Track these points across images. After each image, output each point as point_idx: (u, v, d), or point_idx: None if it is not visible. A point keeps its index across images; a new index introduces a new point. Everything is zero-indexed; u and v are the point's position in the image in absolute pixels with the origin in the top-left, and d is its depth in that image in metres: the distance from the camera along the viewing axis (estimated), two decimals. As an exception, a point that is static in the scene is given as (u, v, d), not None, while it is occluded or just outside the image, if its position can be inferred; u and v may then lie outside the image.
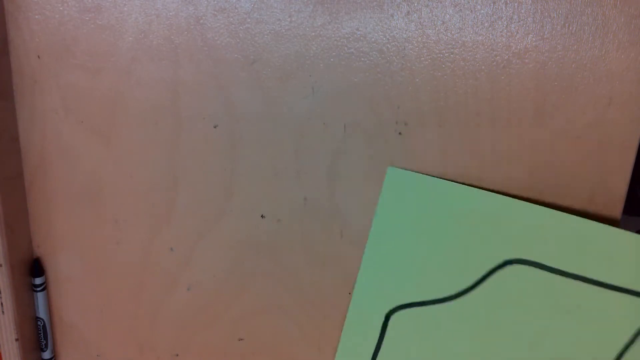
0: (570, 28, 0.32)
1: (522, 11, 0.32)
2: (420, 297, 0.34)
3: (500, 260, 0.33)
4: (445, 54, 0.33)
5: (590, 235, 0.31)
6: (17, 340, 0.40)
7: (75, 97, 0.37)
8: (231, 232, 0.39)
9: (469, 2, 0.32)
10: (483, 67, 0.33)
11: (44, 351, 0.43)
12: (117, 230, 0.40)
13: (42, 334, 0.42)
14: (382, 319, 0.35)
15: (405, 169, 0.34)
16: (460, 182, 0.35)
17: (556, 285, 0.32)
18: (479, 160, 0.35)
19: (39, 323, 0.42)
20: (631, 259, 0.31)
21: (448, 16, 0.33)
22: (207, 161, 0.37)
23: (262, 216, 0.38)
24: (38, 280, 0.41)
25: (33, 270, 0.41)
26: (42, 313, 0.42)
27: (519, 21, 0.32)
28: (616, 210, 0.35)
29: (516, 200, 0.32)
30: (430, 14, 0.33)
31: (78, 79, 0.37)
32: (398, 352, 0.35)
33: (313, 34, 0.34)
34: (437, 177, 0.33)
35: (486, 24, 0.33)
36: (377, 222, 0.35)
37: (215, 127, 0.37)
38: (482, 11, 0.33)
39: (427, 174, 0.34)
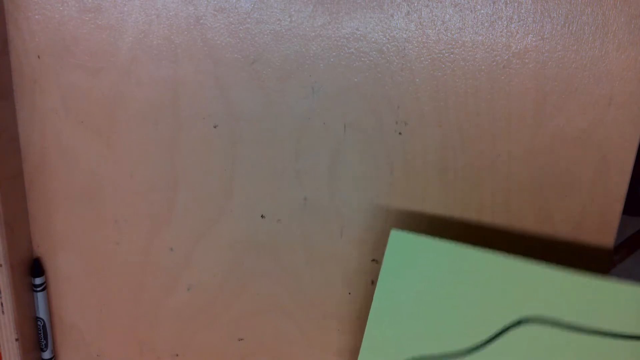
0: (570, 28, 0.32)
1: (522, 11, 0.32)
2: (431, 351, 0.34)
3: (514, 318, 0.33)
4: (445, 54, 0.33)
5: (602, 290, 0.32)
6: (17, 340, 0.40)
7: (75, 97, 0.37)
8: (231, 232, 0.39)
9: (469, 2, 0.32)
10: (483, 67, 0.33)
11: (44, 351, 0.43)
12: (117, 230, 0.40)
13: (42, 334, 0.42)
14: None
15: (409, 232, 0.34)
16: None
17: (573, 341, 0.32)
18: (479, 161, 0.35)
19: (39, 323, 0.42)
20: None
21: (448, 16, 0.33)
22: (207, 161, 0.37)
23: (262, 216, 0.38)
24: (38, 280, 0.41)
25: (33, 270, 0.41)
26: (42, 313, 0.42)
27: (519, 21, 0.32)
28: (616, 210, 0.35)
29: (524, 261, 0.32)
30: (430, 14, 0.33)
31: (78, 79, 0.37)
32: None
33: (313, 34, 0.34)
34: (440, 239, 0.34)
35: (486, 24, 0.33)
36: (383, 282, 0.34)
37: (215, 127, 0.37)
38: (482, 11, 0.33)
39: (428, 238, 0.34)
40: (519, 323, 0.33)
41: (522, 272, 0.32)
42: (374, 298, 0.35)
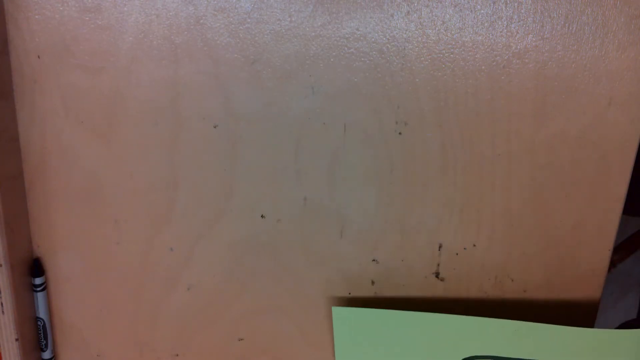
0: (570, 28, 0.32)
1: (522, 11, 0.32)
2: None
3: (459, 358, 0.37)
4: (445, 54, 0.33)
5: (528, 332, 0.36)
6: (17, 340, 0.40)
7: (75, 97, 0.37)
8: (231, 232, 0.39)
9: (469, 2, 0.32)
10: (483, 67, 0.33)
11: (44, 351, 0.43)
12: (117, 230, 0.40)
13: (42, 334, 0.42)
14: None
15: (349, 307, 0.37)
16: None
17: None
18: (479, 161, 0.35)
19: (39, 323, 0.42)
20: (573, 344, 0.36)
21: (448, 16, 0.33)
22: (207, 161, 0.37)
23: (262, 216, 0.38)
24: (38, 280, 0.41)
25: (33, 270, 0.41)
26: (42, 313, 0.42)
27: (519, 21, 0.32)
28: (616, 210, 0.35)
29: (454, 316, 0.36)
30: (430, 14, 0.33)
31: (78, 79, 0.37)
32: None
33: (313, 34, 0.34)
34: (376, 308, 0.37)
35: (486, 24, 0.33)
36: (339, 355, 0.38)
37: (215, 127, 0.37)
38: (482, 11, 0.33)
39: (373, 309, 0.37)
40: None
41: (454, 325, 0.36)
42: None
